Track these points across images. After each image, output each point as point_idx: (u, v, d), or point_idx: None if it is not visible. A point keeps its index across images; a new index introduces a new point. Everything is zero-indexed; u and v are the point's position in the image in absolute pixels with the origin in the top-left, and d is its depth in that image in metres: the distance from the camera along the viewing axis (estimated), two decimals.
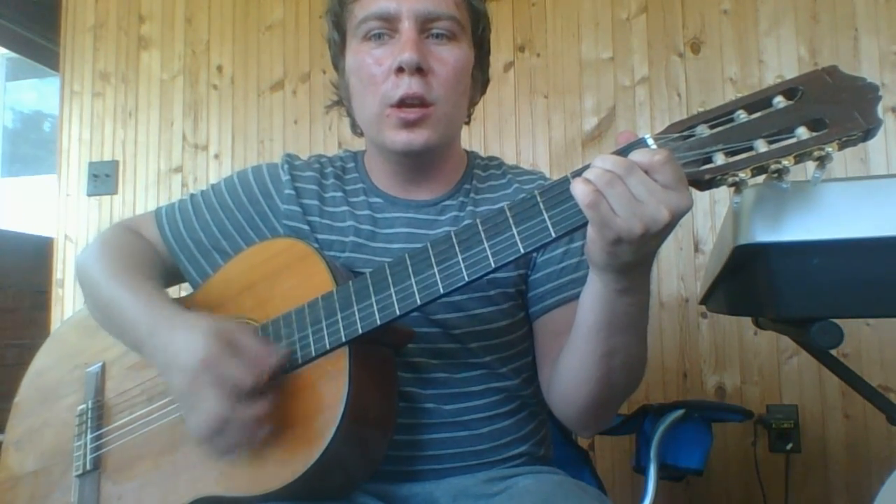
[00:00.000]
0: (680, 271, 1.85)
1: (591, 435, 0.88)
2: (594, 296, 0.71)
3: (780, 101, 0.62)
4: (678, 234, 1.85)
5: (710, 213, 1.84)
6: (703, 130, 0.63)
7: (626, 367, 0.75)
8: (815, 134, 0.60)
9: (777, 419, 1.73)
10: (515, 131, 2.00)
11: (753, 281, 0.73)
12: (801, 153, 0.60)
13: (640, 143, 0.64)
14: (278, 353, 0.71)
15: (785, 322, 0.84)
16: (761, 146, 0.61)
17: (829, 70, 0.62)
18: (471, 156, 0.97)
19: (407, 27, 0.81)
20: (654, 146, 0.63)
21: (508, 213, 0.67)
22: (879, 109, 0.60)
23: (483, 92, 0.96)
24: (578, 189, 0.61)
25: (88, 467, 0.84)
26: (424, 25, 0.82)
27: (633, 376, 0.78)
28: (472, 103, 0.94)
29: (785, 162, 0.60)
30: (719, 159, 0.62)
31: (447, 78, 0.83)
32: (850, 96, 0.60)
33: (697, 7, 1.90)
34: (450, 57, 0.84)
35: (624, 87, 1.94)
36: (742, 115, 0.62)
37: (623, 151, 0.63)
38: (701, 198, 1.84)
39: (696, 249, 1.84)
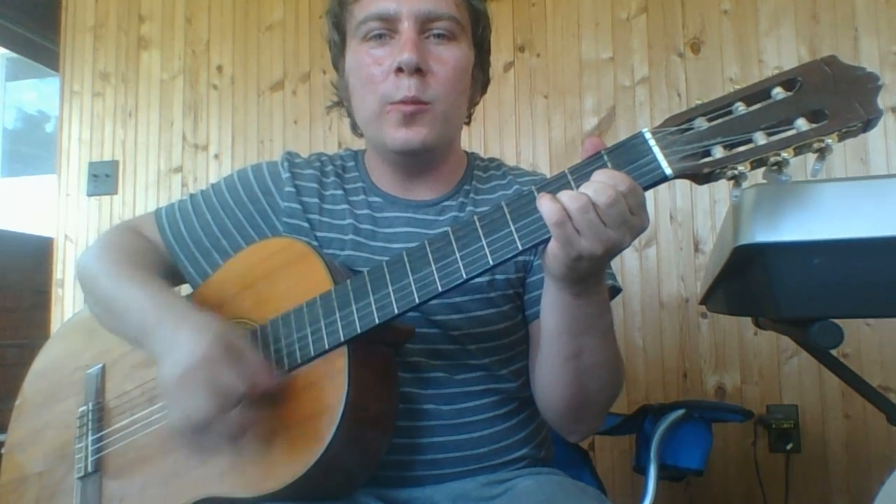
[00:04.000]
0: (680, 271, 1.85)
1: (578, 439, 0.89)
2: (551, 301, 0.73)
3: (778, 93, 0.61)
4: (678, 234, 1.85)
5: (710, 212, 1.84)
6: (701, 123, 0.62)
7: (596, 369, 0.76)
8: (814, 125, 0.59)
9: (777, 419, 1.73)
10: (515, 131, 2.00)
11: (753, 281, 0.73)
12: (800, 145, 0.60)
13: (599, 160, 0.64)
14: (276, 374, 0.71)
15: (785, 322, 0.84)
16: (760, 138, 0.60)
17: (827, 60, 0.61)
18: (471, 157, 0.97)
19: (407, 27, 0.81)
20: (651, 140, 0.63)
21: (506, 210, 0.67)
22: (879, 101, 0.59)
23: (483, 92, 0.96)
24: (545, 207, 0.62)
25: (90, 469, 0.84)
26: (424, 26, 0.83)
27: (606, 379, 0.79)
28: (473, 103, 0.94)
29: (784, 154, 0.60)
30: (718, 152, 0.62)
31: (446, 77, 0.83)
32: (849, 87, 0.59)
33: (697, 7, 1.90)
34: (450, 57, 0.84)
35: (624, 87, 1.93)
36: (741, 108, 0.62)
37: (583, 167, 0.64)
38: (701, 198, 1.84)
39: (696, 249, 1.84)
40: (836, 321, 0.67)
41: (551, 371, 0.78)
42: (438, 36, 0.83)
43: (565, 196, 0.62)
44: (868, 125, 0.59)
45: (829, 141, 0.59)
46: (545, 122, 1.98)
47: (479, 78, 0.93)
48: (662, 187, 1.86)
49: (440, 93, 0.83)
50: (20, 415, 0.95)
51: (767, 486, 1.73)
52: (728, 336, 1.81)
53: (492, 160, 0.99)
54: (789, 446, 1.72)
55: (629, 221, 0.62)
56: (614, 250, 0.63)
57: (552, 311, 0.73)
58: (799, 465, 1.74)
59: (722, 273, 0.86)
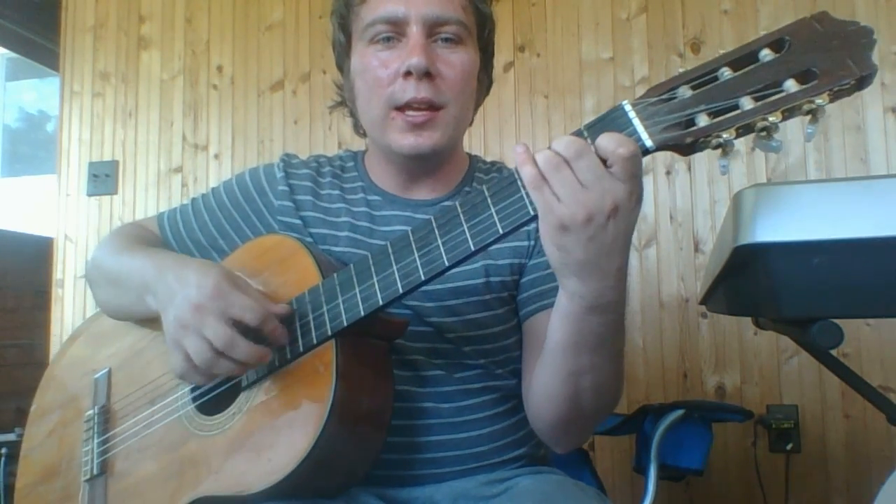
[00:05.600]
0: (680, 271, 1.85)
1: (563, 451, 0.86)
2: (561, 313, 0.69)
3: (766, 55, 0.58)
4: (678, 234, 1.85)
5: (710, 212, 1.84)
6: (685, 92, 0.59)
7: (596, 389, 0.73)
8: (804, 86, 0.56)
9: (777, 419, 1.73)
10: (515, 131, 2.00)
11: (753, 281, 0.73)
12: (789, 107, 0.56)
13: (578, 135, 0.61)
14: (283, 306, 0.74)
15: (785, 322, 0.84)
16: (747, 103, 0.57)
17: (818, 16, 0.58)
18: (473, 159, 0.97)
19: (415, 31, 0.81)
20: (631, 112, 0.60)
21: (487, 193, 0.66)
22: (874, 56, 0.56)
23: (487, 94, 0.96)
24: (525, 170, 0.60)
25: (96, 472, 0.85)
26: (432, 30, 0.82)
27: (604, 398, 0.76)
28: (477, 105, 0.94)
29: (772, 118, 0.56)
30: (702, 121, 0.58)
31: (455, 82, 0.83)
32: (841, 42, 0.56)
33: (697, 7, 1.90)
34: (457, 61, 0.84)
35: (624, 87, 1.93)
36: (726, 73, 0.59)
37: (599, 121, 0.61)
38: (701, 198, 1.84)
39: (696, 249, 1.84)
40: (836, 321, 0.67)
41: (549, 385, 0.76)
42: (446, 40, 0.83)
43: (539, 156, 0.60)
44: (862, 82, 0.56)
45: (821, 101, 0.55)
46: (545, 122, 1.98)
47: (483, 81, 0.93)
48: (663, 187, 1.86)
49: (450, 97, 0.83)
50: (35, 420, 0.97)
51: (767, 486, 1.73)
52: (728, 336, 1.81)
53: (494, 163, 0.99)
54: (789, 446, 1.72)
55: (605, 179, 0.58)
56: (596, 216, 0.58)
57: (561, 323, 0.70)
58: (799, 465, 1.74)
59: (722, 273, 0.86)
